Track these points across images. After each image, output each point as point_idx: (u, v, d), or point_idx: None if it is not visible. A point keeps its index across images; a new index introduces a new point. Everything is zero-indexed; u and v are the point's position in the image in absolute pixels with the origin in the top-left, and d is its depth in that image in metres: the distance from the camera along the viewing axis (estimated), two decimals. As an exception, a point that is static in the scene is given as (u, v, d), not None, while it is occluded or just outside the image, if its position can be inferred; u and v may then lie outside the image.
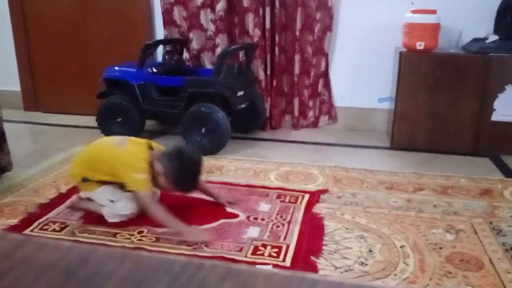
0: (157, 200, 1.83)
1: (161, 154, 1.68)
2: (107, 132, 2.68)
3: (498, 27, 2.53)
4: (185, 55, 3.01)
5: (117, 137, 1.83)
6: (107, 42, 3.15)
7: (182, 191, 1.74)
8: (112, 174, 1.67)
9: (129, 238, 1.61)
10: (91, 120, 2.80)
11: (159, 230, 1.65)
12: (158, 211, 1.60)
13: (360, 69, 2.92)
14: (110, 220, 1.70)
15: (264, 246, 1.56)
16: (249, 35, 2.84)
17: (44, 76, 3.37)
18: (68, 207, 1.83)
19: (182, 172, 1.65)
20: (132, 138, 1.78)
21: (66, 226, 1.69)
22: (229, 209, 1.82)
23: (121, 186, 1.72)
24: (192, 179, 1.70)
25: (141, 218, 1.73)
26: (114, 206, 1.70)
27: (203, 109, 2.42)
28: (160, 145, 1.79)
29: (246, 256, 1.50)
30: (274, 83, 2.92)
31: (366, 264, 1.46)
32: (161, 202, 1.85)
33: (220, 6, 2.80)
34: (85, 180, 1.73)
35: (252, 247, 1.55)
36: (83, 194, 1.78)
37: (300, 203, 1.88)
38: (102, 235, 1.63)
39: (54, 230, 1.66)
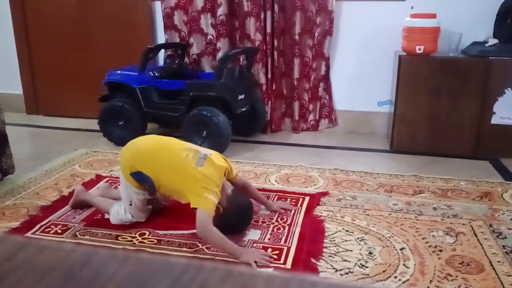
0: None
1: (230, 192, 1.64)
2: (108, 135, 2.69)
3: (498, 31, 2.53)
4: (186, 59, 3.02)
5: (186, 145, 1.69)
6: (108, 46, 3.16)
7: (225, 233, 1.55)
8: (178, 187, 1.59)
9: (131, 241, 1.61)
10: (93, 123, 2.81)
11: (161, 232, 1.65)
12: (215, 233, 1.49)
13: (360, 72, 2.93)
14: (113, 222, 1.72)
15: (265, 248, 1.56)
16: (250, 39, 2.85)
17: (45, 80, 3.38)
18: (72, 206, 1.85)
19: (233, 223, 1.61)
20: (211, 156, 1.63)
21: (68, 229, 1.69)
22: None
23: (149, 201, 1.70)
24: (235, 230, 1.64)
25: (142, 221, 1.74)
26: (130, 208, 1.68)
27: (204, 112, 2.42)
28: (233, 170, 1.70)
29: (246, 259, 1.50)
30: (275, 86, 2.93)
31: (366, 267, 1.46)
32: (165, 205, 1.87)
33: (221, 10, 2.81)
34: (137, 175, 1.62)
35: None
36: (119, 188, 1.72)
37: (301, 205, 1.88)
38: (104, 237, 1.64)
39: (55, 233, 1.67)
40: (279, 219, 1.77)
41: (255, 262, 1.46)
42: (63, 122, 3.22)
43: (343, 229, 1.70)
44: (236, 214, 1.62)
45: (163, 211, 1.83)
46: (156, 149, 1.67)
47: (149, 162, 1.63)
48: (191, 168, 1.56)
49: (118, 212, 1.71)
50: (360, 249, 1.56)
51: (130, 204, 1.68)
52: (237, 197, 1.66)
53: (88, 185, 2.05)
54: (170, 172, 1.60)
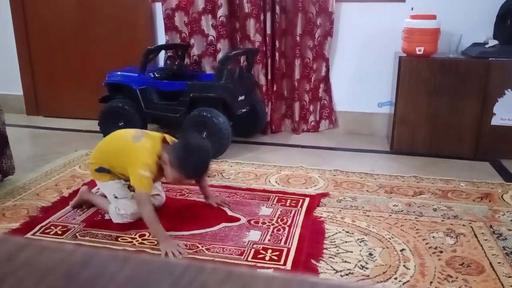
0: (160, 203, 1.84)
1: (169, 145, 1.70)
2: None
3: (498, 32, 2.53)
4: (186, 60, 3.02)
5: (135, 131, 1.81)
6: (108, 47, 3.16)
7: (192, 178, 1.74)
8: (124, 168, 1.68)
9: (131, 242, 1.61)
10: (93, 124, 2.81)
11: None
12: (148, 212, 1.59)
13: (361, 73, 2.93)
14: (115, 221, 1.73)
15: (265, 249, 1.56)
16: (250, 40, 2.85)
17: (46, 81, 3.38)
18: (73, 205, 1.86)
19: (188, 159, 1.65)
20: (149, 132, 1.77)
21: (68, 230, 1.69)
22: (230, 213, 1.82)
23: (130, 185, 1.76)
24: (199, 164, 1.68)
25: (142, 221, 1.74)
26: (117, 203, 1.73)
27: (204, 113, 2.43)
28: (174, 138, 1.78)
29: (247, 260, 1.50)
30: (275, 87, 2.93)
31: (367, 268, 1.46)
32: (164, 206, 1.87)
33: (221, 11, 2.82)
34: (101, 170, 1.74)
35: (253, 250, 1.55)
36: (97, 185, 1.81)
37: (301, 206, 1.88)
38: (104, 238, 1.64)
39: (55, 234, 1.67)
40: (279, 220, 1.77)
41: (171, 252, 1.51)
42: (63, 123, 3.22)
43: (343, 230, 1.70)
44: (187, 151, 1.65)
45: (163, 213, 1.83)
46: (109, 142, 1.80)
47: (103, 155, 1.76)
48: (129, 146, 1.68)
49: (115, 210, 1.73)
50: (360, 250, 1.56)
51: (116, 197, 1.74)
52: (175, 144, 1.70)
53: (89, 186, 2.05)
54: (117, 157, 1.72)
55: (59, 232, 1.68)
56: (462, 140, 2.52)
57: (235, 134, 2.63)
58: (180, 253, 1.52)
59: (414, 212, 1.85)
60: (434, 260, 1.50)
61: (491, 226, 1.72)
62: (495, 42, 2.48)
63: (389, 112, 2.84)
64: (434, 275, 1.42)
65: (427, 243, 1.60)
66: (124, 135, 1.76)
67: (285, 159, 2.49)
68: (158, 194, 1.86)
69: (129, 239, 1.63)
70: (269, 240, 1.63)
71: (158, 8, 3.04)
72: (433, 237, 1.65)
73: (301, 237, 1.64)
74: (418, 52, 2.46)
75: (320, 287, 0.27)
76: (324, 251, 1.55)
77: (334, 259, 1.51)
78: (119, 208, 1.72)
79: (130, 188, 1.76)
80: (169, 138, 1.75)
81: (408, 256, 1.52)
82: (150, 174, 1.61)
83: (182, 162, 1.63)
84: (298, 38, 2.83)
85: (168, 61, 3.04)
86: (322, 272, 1.44)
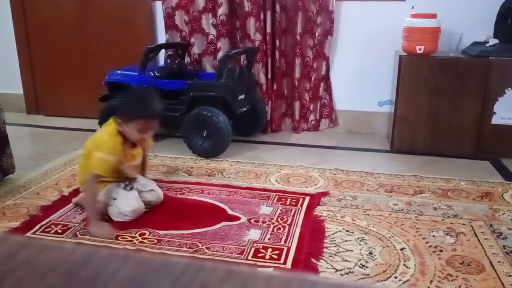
0: (157, 199, 1.86)
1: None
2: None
3: (498, 31, 2.53)
4: (187, 59, 3.02)
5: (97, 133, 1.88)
6: (108, 46, 3.16)
7: (146, 119, 1.72)
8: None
9: (131, 241, 1.61)
10: (93, 123, 2.81)
11: (161, 232, 1.66)
12: (90, 193, 1.68)
13: (361, 72, 2.93)
14: (115, 219, 1.73)
15: (265, 248, 1.56)
16: (250, 39, 2.85)
17: (46, 80, 3.38)
18: (76, 203, 1.87)
19: (131, 102, 1.74)
20: (110, 120, 1.80)
21: (68, 229, 1.69)
22: (230, 212, 1.83)
23: (125, 186, 1.78)
24: (144, 101, 1.75)
25: (142, 220, 1.74)
26: (116, 203, 1.74)
27: (205, 112, 2.43)
28: None
29: (247, 259, 1.50)
30: (275, 86, 2.93)
31: (367, 267, 1.46)
32: (164, 205, 1.87)
33: (222, 10, 2.81)
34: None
35: (253, 249, 1.55)
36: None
37: (301, 205, 1.88)
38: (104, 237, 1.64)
39: (56, 233, 1.67)
40: (279, 219, 1.77)
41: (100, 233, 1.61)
42: (63, 122, 3.23)
43: (343, 229, 1.70)
44: (128, 97, 1.78)
45: (162, 211, 1.83)
46: (83, 157, 1.83)
47: (85, 167, 1.76)
48: (92, 142, 1.75)
49: (115, 209, 1.74)
50: (361, 249, 1.56)
51: (114, 199, 1.75)
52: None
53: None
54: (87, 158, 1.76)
55: (59, 231, 1.68)
56: (462, 139, 2.52)
57: (235, 133, 2.63)
58: (106, 235, 1.62)
59: (414, 211, 1.85)
60: (434, 259, 1.50)
61: (491, 225, 1.72)
62: (496, 41, 2.48)
63: (389, 111, 2.84)
64: (434, 274, 1.42)
65: (427, 242, 1.61)
66: (88, 142, 1.81)
67: (285, 158, 2.49)
68: (152, 190, 1.86)
69: (129, 238, 1.63)
70: (269, 239, 1.63)
71: (158, 6, 3.04)
72: (433, 236, 1.65)
73: (301, 236, 1.64)
74: (418, 51, 2.46)
75: (320, 286, 0.27)
76: (324, 250, 1.56)
77: (334, 258, 1.51)
78: (119, 207, 1.73)
79: (127, 187, 1.78)
80: None
81: (408, 255, 1.52)
82: (111, 156, 1.67)
83: (129, 108, 1.71)
84: (298, 37, 2.83)
85: (168, 60, 3.04)
86: (322, 271, 1.44)
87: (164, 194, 1.92)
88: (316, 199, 1.94)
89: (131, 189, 1.79)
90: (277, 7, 2.78)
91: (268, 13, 2.79)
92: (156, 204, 1.86)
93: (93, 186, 1.68)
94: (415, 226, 1.72)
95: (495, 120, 2.45)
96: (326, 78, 2.95)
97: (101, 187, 1.77)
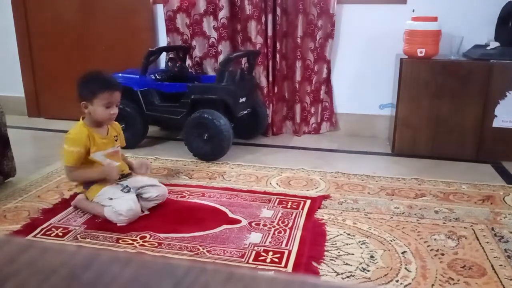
0: (161, 195, 1.89)
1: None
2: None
3: (499, 34, 2.53)
4: (188, 62, 3.02)
5: None
6: (110, 49, 3.17)
7: (104, 91, 1.76)
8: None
9: (132, 244, 1.61)
10: (94, 126, 2.80)
11: (162, 235, 1.66)
12: (76, 175, 1.80)
13: (362, 75, 2.93)
14: (111, 220, 1.74)
15: (266, 252, 1.56)
16: (251, 42, 2.85)
17: (47, 83, 3.39)
18: (74, 205, 1.88)
19: (85, 79, 1.79)
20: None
21: (69, 232, 1.69)
22: (231, 215, 1.82)
23: (123, 188, 1.80)
24: (96, 76, 1.81)
25: (143, 223, 1.74)
26: (112, 203, 1.75)
27: (206, 115, 2.43)
28: None
29: (248, 262, 1.50)
30: (276, 89, 2.93)
31: (368, 270, 1.45)
32: (165, 208, 1.87)
33: (223, 13, 2.82)
34: (86, 186, 1.83)
35: (253, 253, 1.55)
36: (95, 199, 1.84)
37: (302, 209, 1.88)
38: (105, 240, 1.64)
39: (56, 236, 1.67)
40: (280, 222, 1.77)
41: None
42: (64, 125, 3.22)
43: (344, 232, 1.70)
44: (81, 78, 1.80)
45: (163, 214, 1.83)
46: None
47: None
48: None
49: (111, 209, 1.74)
50: (362, 253, 1.55)
51: (111, 199, 1.76)
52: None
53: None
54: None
55: (60, 234, 1.68)
56: (464, 142, 2.52)
57: (236, 136, 2.63)
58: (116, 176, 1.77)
59: (415, 214, 1.85)
60: (435, 263, 1.49)
61: (492, 229, 1.72)
62: (497, 44, 2.48)
63: (390, 114, 2.84)
64: (436, 277, 1.41)
65: (428, 246, 1.60)
66: None
67: (286, 161, 2.48)
68: (152, 185, 1.87)
69: (130, 241, 1.63)
70: (270, 242, 1.62)
71: (160, 10, 3.05)
72: (435, 239, 1.65)
73: (302, 239, 1.64)
74: (419, 54, 2.46)
75: (321, 289, 0.27)
76: (325, 253, 1.55)
77: (335, 261, 1.51)
78: (114, 206, 1.74)
79: (124, 190, 1.80)
80: None
81: (410, 258, 1.52)
82: (76, 147, 1.76)
83: (89, 85, 1.76)
84: (299, 40, 2.84)
85: (169, 63, 3.04)
86: (323, 275, 1.44)
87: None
88: (317, 202, 1.94)
89: (129, 191, 1.80)
90: (278, 10, 2.78)
91: (269, 16, 2.80)
92: (162, 200, 1.88)
93: (74, 173, 1.80)
94: (416, 229, 1.72)
95: (496, 123, 2.45)
96: (327, 81, 2.95)
97: (99, 189, 1.79)
